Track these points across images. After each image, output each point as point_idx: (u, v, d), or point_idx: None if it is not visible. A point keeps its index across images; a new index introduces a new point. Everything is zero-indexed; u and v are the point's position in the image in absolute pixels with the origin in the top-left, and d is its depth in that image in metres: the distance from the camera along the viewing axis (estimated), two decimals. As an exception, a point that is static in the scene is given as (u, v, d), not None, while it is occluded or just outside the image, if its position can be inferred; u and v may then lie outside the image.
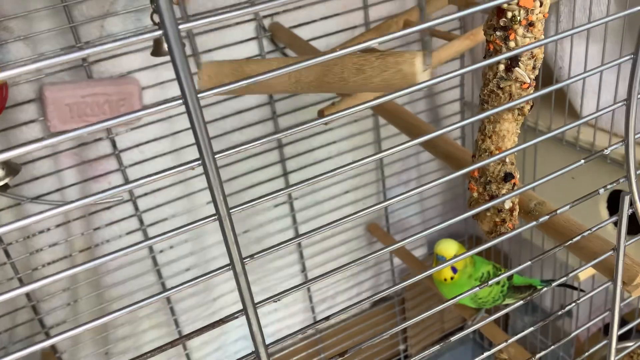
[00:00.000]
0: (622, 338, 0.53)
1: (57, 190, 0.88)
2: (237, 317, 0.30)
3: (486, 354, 0.48)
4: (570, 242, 0.40)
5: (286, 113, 1.00)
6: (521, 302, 0.45)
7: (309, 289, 1.20)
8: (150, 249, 0.98)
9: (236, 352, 1.18)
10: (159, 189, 0.94)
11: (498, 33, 0.44)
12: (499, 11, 0.44)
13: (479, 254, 1.03)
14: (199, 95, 0.25)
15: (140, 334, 1.04)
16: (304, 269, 1.16)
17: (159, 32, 0.23)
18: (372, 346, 1.28)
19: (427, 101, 1.15)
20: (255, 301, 0.31)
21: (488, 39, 0.45)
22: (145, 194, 0.94)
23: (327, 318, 0.34)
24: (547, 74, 0.94)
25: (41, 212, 0.24)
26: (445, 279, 0.87)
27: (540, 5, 0.43)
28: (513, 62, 0.44)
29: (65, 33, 0.80)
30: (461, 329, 0.43)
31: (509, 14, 0.43)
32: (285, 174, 1.04)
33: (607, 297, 1.14)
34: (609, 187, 0.39)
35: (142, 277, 0.99)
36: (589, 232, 0.40)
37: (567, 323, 1.21)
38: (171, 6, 0.23)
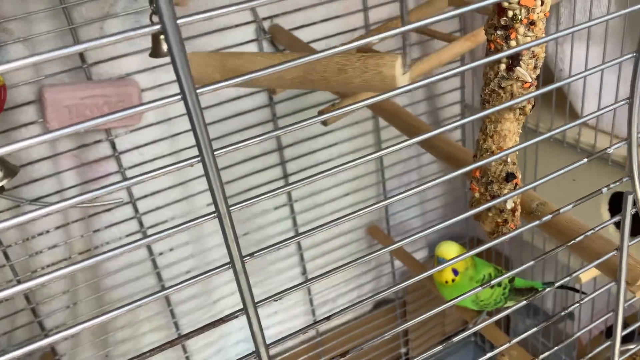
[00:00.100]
0: (624, 340, 0.53)
1: (57, 192, 0.88)
2: (237, 317, 0.30)
3: (488, 355, 0.47)
4: (573, 241, 0.40)
5: (286, 115, 1.00)
6: (523, 303, 0.44)
7: (309, 292, 1.19)
8: (150, 251, 0.98)
9: (236, 354, 1.17)
10: (158, 191, 0.94)
11: (499, 32, 0.44)
12: (500, 10, 0.44)
13: (480, 256, 1.03)
14: (198, 91, 0.25)
15: (140, 337, 1.03)
16: (304, 272, 1.16)
17: (158, 27, 0.23)
18: (374, 349, 1.27)
19: (427, 103, 1.15)
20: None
21: (489, 38, 0.45)
22: (145, 196, 0.94)
23: (328, 318, 0.33)
24: (547, 77, 0.94)
25: (38, 209, 0.24)
26: (446, 281, 0.87)
27: (542, 4, 0.43)
28: (514, 61, 0.44)
29: (64, 35, 0.80)
30: (463, 331, 0.43)
31: (510, 13, 0.43)
32: (286, 176, 1.04)
33: (609, 300, 1.14)
34: (612, 186, 0.39)
35: (142, 279, 0.98)
36: (592, 231, 0.40)
37: (569, 326, 1.21)
38: (170, 0, 0.23)
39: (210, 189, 0.27)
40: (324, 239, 1.14)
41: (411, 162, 1.17)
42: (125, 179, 0.26)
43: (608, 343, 0.49)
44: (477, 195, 0.50)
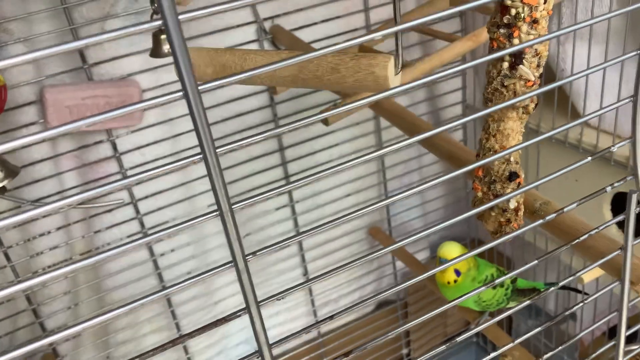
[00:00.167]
0: (627, 341, 0.52)
1: (58, 193, 0.88)
2: (239, 316, 0.30)
3: (490, 356, 0.47)
4: (577, 240, 0.39)
5: (287, 115, 1.00)
6: (526, 303, 0.44)
7: (311, 293, 1.19)
8: (151, 252, 0.97)
9: (238, 356, 1.17)
10: (159, 192, 0.94)
11: (502, 30, 0.44)
12: (503, 8, 0.43)
13: (482, 257, 1.02)
14: (199, 88, 0.25)
15: (141, 338, 1.03)
16: (305, 273, 1.16)
17: (159, 22, 0.23)
18: (376, 350, 1.27)
19: (428, 104, 1.15)
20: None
21: (492, 36, 0.45)
22: (146, 197, 0.93)
23: (331, 317, 0.33)
24: (549, 77, 0.94)
25: (37, 207, 0.24)
26: (448, 282, 0.86)
27: (544, 2, 0.43)
28: (517, 59, 0.44)
29: (65, 35, 0.80)
30: (465, 332, 0.43)
31: (513, 11, 0.42)
32: (287, 176, 1.04)
33: (611, 301, 1.13)
34: (616, 185, 0.39)
35: (144, 280, 0.98)
36: (596, 230, 0.40)
37: (571, 327, 1.21)
38: (172, -5, 0.23)
39: (213, 187, 0.26)
40: (325, 239, 1.13)
41: (412, 163, 1.17)
42: (125, 177, 0.25)
43: (612, 343, 0.49)
44: (479, 194, 0.50)
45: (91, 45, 0.22)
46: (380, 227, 1.20)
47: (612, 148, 0.39)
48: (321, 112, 0.83)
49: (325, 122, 0.77)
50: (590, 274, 0.83)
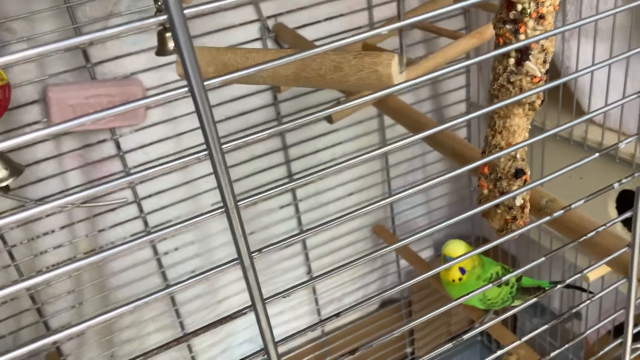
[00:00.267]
0: (633, 339, 0.52)
1: (61, 192, 0.88)
2: (245, 313, 0.30)
3: (495, 354, 0.47)
4: (584, 238, 0.39)
5: (290, 114, 1.00)
6: (532, 301, 0.44)
7: (314, 292, 1.19)
8: (155, 250, 0.97)
9: (241, 354, 1.17)
10: (163, 191, 0.94)
11: (508, 26, 0.43)
12: (509, 4, 0.43)
13: (487, 255, 1.02)
14: (205, 84, 0.25)
15: (145, 337, 1.03)
16: (309, 271, 1.16)
17: (165, 17, 0.23)
18: (380, 348, 1.26)
19: (432, 102, 1.14)
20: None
21: (498, 32, 0.44)
22: (150, 196, 0.93)
23: (337, 314, 0.33)
24: (554, 75, 0.94)
25: (40, 204, 0.24)
26: (453, 280, 0.86)
27: (551, -2, 0.43)
28: (523, 55, 0.43)
29: (68, 34, 0.80)
30: (470, 330, 0.42)
31: (519, 7, 0.42)
32: (290, 175, 1.04)
33: (616, 300, 1.13)
34: (623, 181, 0.39)
35: (148, 279, 0.98)
36: (603, 227, 0.39)
37: (576, 325, 1.20)
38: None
39: (218, 183, 0.26)
40: (329, 238, 1.13)
41: (416, 161, 1.17)
42: (128, 173, 0.25)
43: (619, 341, 0.49)
44: (485, 192, 0.49)
45: (95, 42, 0.22)
46: (385, 225, 1.20)
47: (620, 144, 0.38)
48: (326, 109, 0.83)
49: (330, 119, 0.76)
50: (596, 272, 0.82)
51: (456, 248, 0.86)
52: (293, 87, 0.93)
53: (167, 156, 0.91)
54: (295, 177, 1.04)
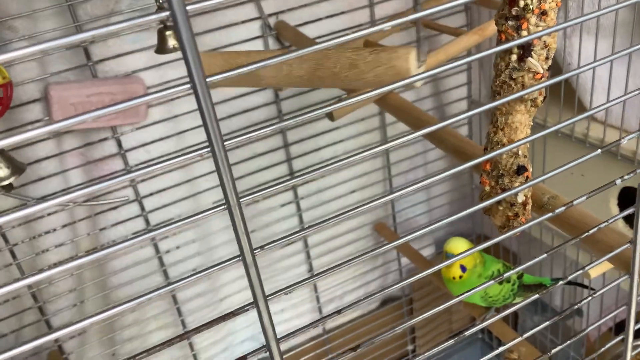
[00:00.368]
0: (635, 336, 0.52)
1: (63, 190, 0.88)
2: (247, 310, 0.30)
3: (496, 351, 0.47)
4: (586, 234, 0.39)
5: (292, 112, 1.00)
6: (533, 297, 0.44)
7: (316, 290, 1.19)
8: (157, 249, 0.97)
9: (243, 352, 1.17)
10: (164, 189, 0.94)
11: (510, 22, 0.43)
12: (511, 0, 0.43)
13: (488, 252, 1.02)
14: (207, 80, 0.25)
15: (146, 335, 1.03)
16: (311, 269, 1.16)
17: (167, 13, 0.23)
18: (381, 346, 1.27)
19: (433, 100, 1.14)
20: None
21: (500, 29, 0.44)
22: (151, 194, 0.93)
23: (339, 311, 0.33)
24: (555, 72, 0.93)
25: (44, 201, 0.24)
26: (454, 277, 0.86)
27: (553, -6, 0.43)
28: (526, 51, 0.43)
29: (69, 32, 0.80)
30: (471, 328, 0.42)
31: (522, 3, 0.42)
32: (292, 173, 1.04)
33: (617, 297, 1.13)
34: (625, 177, 0.39)
35: (149, 277, 0.98)
36: (605, 223, 0.39)
37: (577, 323, 1.20)
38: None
39: (220, 179, 0.26)
40: (330, 236, 1.13)
41: (417, 159, 1.17)
42: (129, 170, 0.25)
43: (620, 337, 0.49)
44: (487, 188, 0.49)
45: (97, 40, 0.22)
46: (386, 223, 1.20)
47: (622, 140, 0.38)
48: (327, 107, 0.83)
49: (331, 117, 0.76)
50: (598, 269, 0.82)
51: (458, 245, 0.86)
52: (308, 87, 0.92)
53: (168, 154, 0.91)
54: (297, 174, 1.04)
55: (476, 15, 1.08)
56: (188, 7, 0.23)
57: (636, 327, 0.50)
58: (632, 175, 0.39)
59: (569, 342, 0.50)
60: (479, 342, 1.41)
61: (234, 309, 0.30)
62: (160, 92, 0.24)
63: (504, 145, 0.46)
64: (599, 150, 0.37)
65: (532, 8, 0.41)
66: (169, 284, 0.28)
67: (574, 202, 0.38)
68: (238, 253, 0.29)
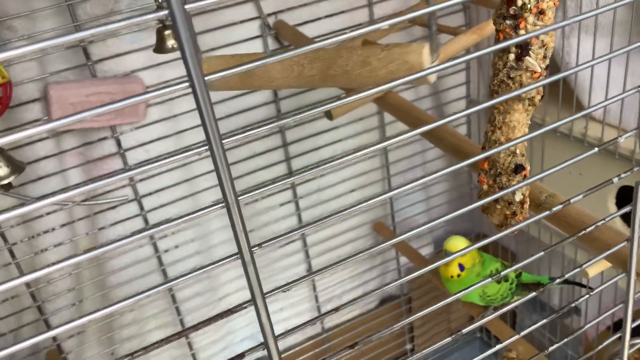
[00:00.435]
0: (632, 335, 0.52)
1: (62, 190, 0.88)
2: (245, 307, 0.30)
3: (493, 349, 0.47)
4: (583, 232, 0.39)
5: (291, 111, 1.00)
6: (531, 295, 0.44)
7: (314, 289, 1.19)
8: (156, 248, 0.98)
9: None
10: (163, 189, 0.94)
11: (508, 22, 0.43)
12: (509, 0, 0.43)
13: (486, 251, 1.02)
14: (206, 78, 0.25)
15: (145, 334, 1.03)
16: (309, 268, 1.16)
17: (166, 12, 0.23)
18: (379, 345, 1.27)
19: (432, 99, 1.15)
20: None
21: (498, 28, 0.44)
22: (150, 194, 0.93)
23: (337, 309, 0.33)
24: (554, 71, 0.93)
25: (41, 199, 0.24)
26: (452, 276, 0.86)
27: (551, -7, 0.43)
28: (523, 51, 0.43)
29: (69, 32, 0.80)
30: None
31: (520, 2, 0.42)
32: (290, 172, 1.04)
33: (615, 296, 1.13)
34: (622, 175, 0.39)
35: (148, 277, 0.98)
36: (602, 222, 0.39)
37: (575, 321, 1.20)
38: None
39: (219, 177, 0.26)
40: (329, 235, 1.13)
41: (416, 158, 1.17)
42: (128, 168, 0.25)
43: (618, 335, 0.49)
44: (485, 187, 0.49)
45: (96, 40, 0.22)
46: (385, 222, 1.20)
47: (620, 139, 0.38)
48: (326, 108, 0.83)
49: (330, 116, 0.76)
50: (596, 267, 0.83)
51: (457, 244, 0.86)
52: (320, 87, 0.92)
53: (167, 154, 0.91)
54: (295, 174, 1.05)
55: (475, 15, 1.08)
56: (187, 7, 0.23)
57: (633, 325, 0.50)
58: (629, 173, 0.39)
59: (566, 339, 0.50)
60: (477, 341, 1.41)
61: (233, 307, 0.30)
62: (159, 91, 0.24)
63: (501, 144, 0.47)
64: (597, 149, 0.37)
65: (530, 7, 0.42)
66: (168, 281, 0.28)
67: (571, 201, 0.38)
68: (237, 251, 0.29)
